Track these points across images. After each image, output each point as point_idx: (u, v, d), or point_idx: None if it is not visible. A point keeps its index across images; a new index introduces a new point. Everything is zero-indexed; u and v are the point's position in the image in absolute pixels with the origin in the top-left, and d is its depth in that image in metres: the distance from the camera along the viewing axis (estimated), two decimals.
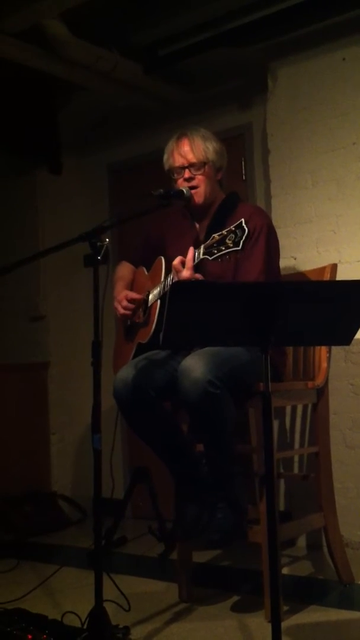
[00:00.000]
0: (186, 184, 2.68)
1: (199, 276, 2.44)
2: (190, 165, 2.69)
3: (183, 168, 2.70)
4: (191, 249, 2.44)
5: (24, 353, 4.62)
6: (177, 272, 2.46)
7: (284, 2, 3.34)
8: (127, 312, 2.78)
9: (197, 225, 2.80)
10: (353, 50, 3.41)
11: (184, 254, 2.52)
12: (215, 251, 2.26)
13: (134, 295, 2.78)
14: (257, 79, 3.78)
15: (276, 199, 3.63)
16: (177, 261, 2.46)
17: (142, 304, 2.78)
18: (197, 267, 2.45)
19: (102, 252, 2.28)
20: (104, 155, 4.63)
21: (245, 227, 2.20)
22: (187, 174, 2.69)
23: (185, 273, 2.42)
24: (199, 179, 2.69)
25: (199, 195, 2.70)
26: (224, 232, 2.25)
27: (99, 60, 3.70)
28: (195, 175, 2.69)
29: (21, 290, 4.60)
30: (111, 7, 3.61)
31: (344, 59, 3.43)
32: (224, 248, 2.24)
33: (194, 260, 2.41)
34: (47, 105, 4.50)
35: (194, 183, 2.69)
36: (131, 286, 2.93)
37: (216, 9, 3.51)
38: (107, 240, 2.32)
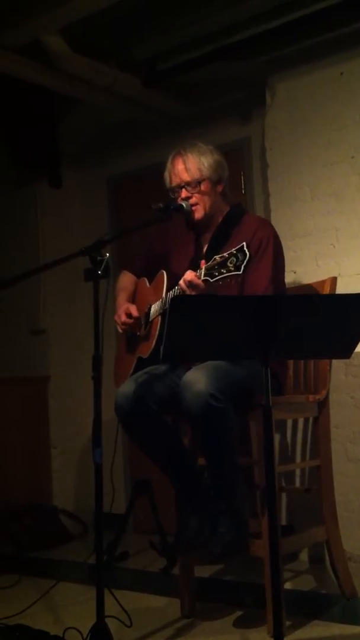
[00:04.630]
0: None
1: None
2: (186, 184, 2.70)
3: (180, 187, 2.71)
4: (189, 272, 2.41)
5: (25, 367, 4.62)
6: (184, 292, 2.45)
7: (283, 17, 3.35)
8: (127, 327, 2.79)
9: (201, 238, 2.81)
10: (351, 65, 3.42)
11: (187, 267, 2.53)
12: (217, 273, 2.27)
13: (134, 311, 2.78)
14: (256, 93, 3.80)
15: (275, 213, 3.64)
16: (183, 284, 2.42)
17: (144, 317, 2.78)
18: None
19: (103, 266, 2.29)
20: (104, 168, 4.64)
21: (246, 251, 2.21)
22: (183, 193, 2.70)
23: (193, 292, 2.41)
24: (196, 197, 2.70)
25: (198, 212, 2.72)
26: (226, 254, 2.26)
27: (98, 74, 3.72)
28: (192, 194, 2.70)
29: (22, 304, 4.60)
30: (110, 22, 3.63)
31: (342, 73, 3.45)
32: (225, 271, 2.25)
33: (198, 277, 2.39)
34: (47, 118, 4.52)
35: (191, 202, 2.70)
36: (133, 297, 2.94)
37: (215, 23, 3.52)
38: (107, 254, 2.33)
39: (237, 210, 2.83)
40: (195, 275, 2.37)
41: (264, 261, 2.62)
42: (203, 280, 2.34)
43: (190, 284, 2.39)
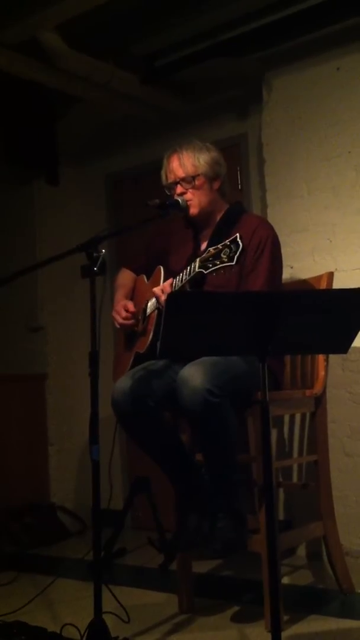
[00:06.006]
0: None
1: None
2: (181, 180, 2.72)
3: (175, 183, 2.73)
4: (170, 279, 2.53)
5: (23, 364, 4.62)
6: (158, 297, 2.54)
7: (279, 12, 3.35)
8: (126, 322, 2.79)
9: (200, 236, 2.82)
10: (347, 60, 3.42)
11: (185, 264, 2.54)
12: (210, 265, 2.29)
13: (131, 307, 2.79)
14: (253, 89, 3.80)
15: (272, 208, 3.64)
16: (157, 289, 2.55)
17: (142, 313, 2.79)
18: (196, 279, 2.47)
19: (99, 263, 2.29)
20: (102, 165, 4.64)
21: (239, 242, 2.23)
22: (179, 189, 2.72)
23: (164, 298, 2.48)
24: (191, 193, 2.71)
25: (193, 207, 2.72)
26: (219, 246, 2.28)
27: (95, 71, 3.71)
28: (187, 189, 2.71)
29: (19, 301, 4.60)
30: (108, 19, 3.63)
31: (338, 69, 3.45)
32: (218, 262, 2.27)
33: (172, 287, 2.50)
34: (46, 115, 4.51)
35: (186, 197, 2.71)
36: (131, 294, 2.95)
37: (212, 20, 3.53)
38: (104, 251, 2.33)
39: (236, 208, 2.84)
40: (170, 286, 2.50)
41: (261, 262, 2.63)
42: (197, 272, 2.35)
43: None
